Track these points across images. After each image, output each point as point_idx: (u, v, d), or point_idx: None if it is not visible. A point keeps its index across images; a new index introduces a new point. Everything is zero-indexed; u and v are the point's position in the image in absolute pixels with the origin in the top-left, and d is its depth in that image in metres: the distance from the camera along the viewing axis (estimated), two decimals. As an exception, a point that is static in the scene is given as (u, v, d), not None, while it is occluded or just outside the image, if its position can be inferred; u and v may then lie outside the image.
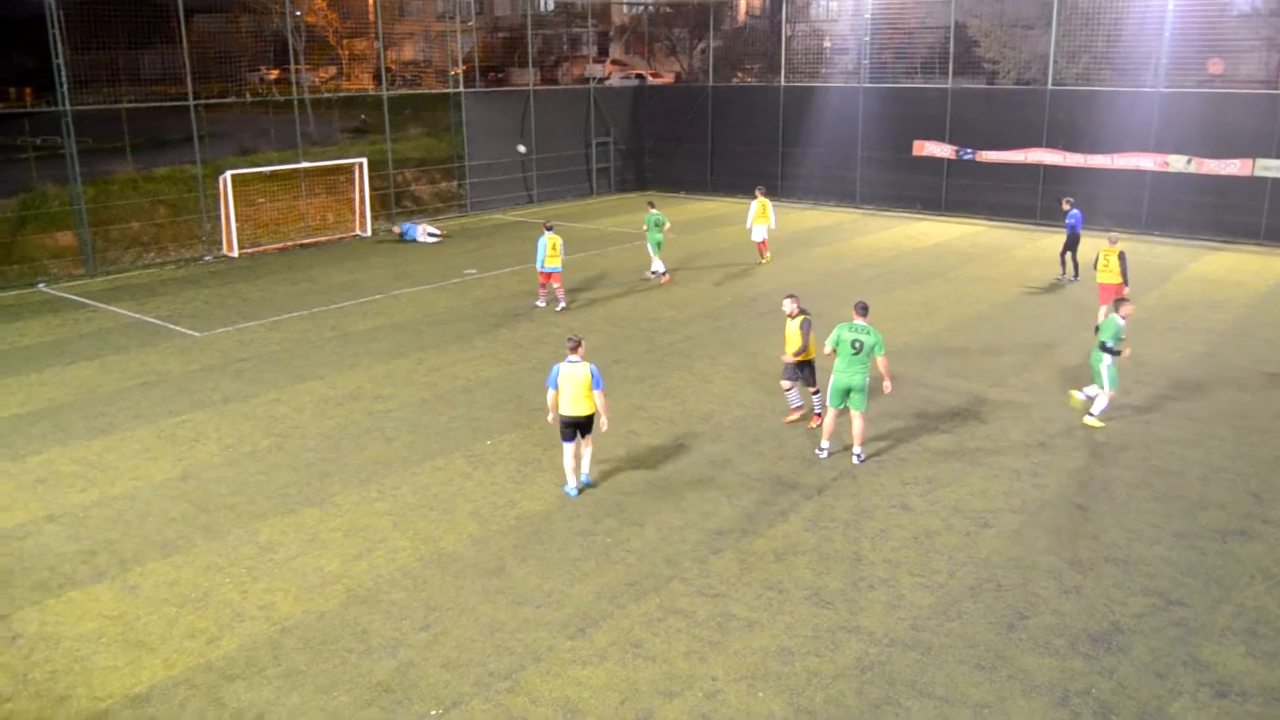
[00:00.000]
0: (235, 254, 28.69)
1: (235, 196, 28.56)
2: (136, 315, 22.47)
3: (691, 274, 25.91)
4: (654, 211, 24.98)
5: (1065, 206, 24.79)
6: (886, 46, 36.71)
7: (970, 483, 13.35)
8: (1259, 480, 13.36)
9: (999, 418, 15.65)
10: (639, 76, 48.13)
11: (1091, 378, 15.47)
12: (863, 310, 13.81)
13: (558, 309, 22.43)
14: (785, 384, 15.47)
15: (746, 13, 51.60)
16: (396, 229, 31.84)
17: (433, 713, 8.77)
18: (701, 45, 45.61)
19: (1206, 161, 29.52)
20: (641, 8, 49.93)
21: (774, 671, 9.32)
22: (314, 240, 30.97)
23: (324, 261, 28.31)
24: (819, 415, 15.15)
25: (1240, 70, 32.40)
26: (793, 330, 14.89)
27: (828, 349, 13.80)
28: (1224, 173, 29.32)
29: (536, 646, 9.73)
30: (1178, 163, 29.98)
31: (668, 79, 49.03)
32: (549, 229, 22.17)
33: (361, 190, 31.86)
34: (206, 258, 28.62)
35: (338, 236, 31.63)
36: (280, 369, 18.46)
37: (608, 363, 18.40)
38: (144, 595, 10.75)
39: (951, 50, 34.38)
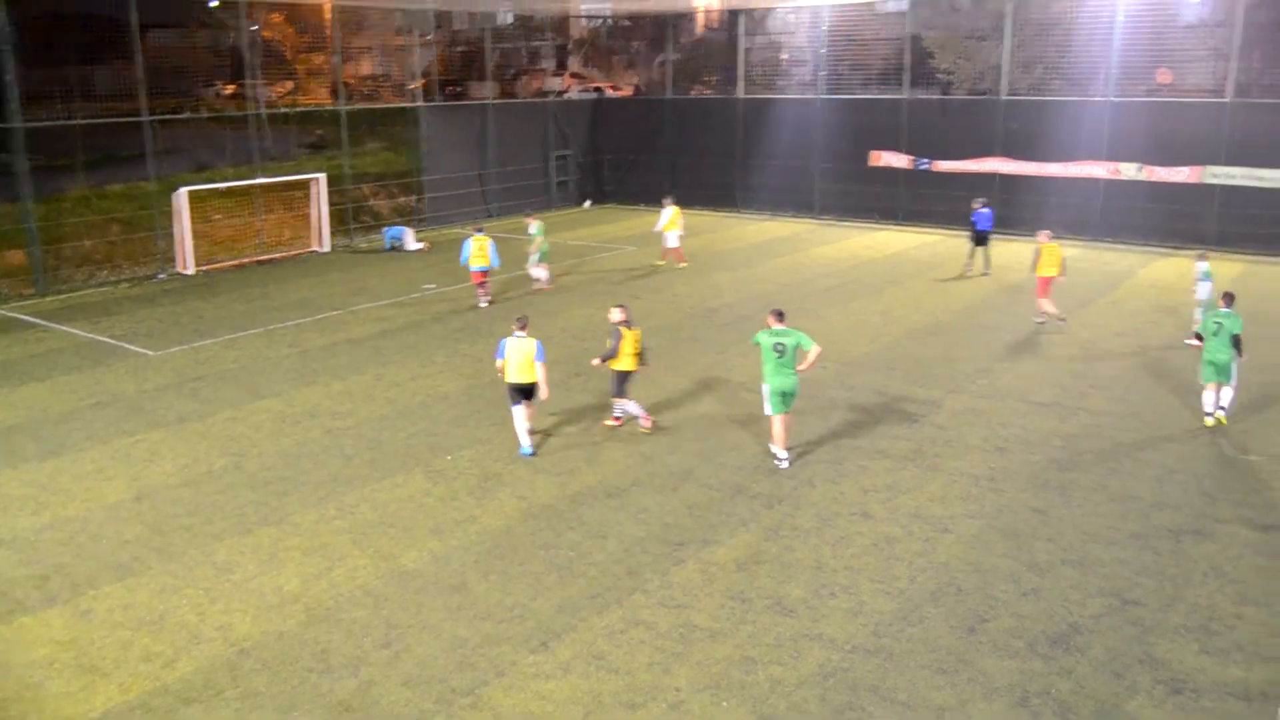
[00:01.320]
0: (191, 271, 28.37)
1: (191, 213, 28.23)
2: (89, 335, 22.15)
3: (649, 284, 25.92)
4: (536, 223, 26.04)
5: (975, 206, 26.29)
6: (843, 58, 37.02)
7: (930, 489, 13.44)
8: (1211, 480, 13.56)
9: (957, 424, 15.78)
10: (598, 89, 48.22)
11: (1207, 379, 15.53)
12: (779, 316, 14.04)
13: (480, 305, 23.77)
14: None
15: (705, 26, 51.85)
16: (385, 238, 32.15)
17: (394, 730, 8.69)
18: (660, 58, 45.77)
19: (1156, 169, 30.01)
20: (600, 21, 50.07)
21: (737, 681, 9.33)
22: (271, 257, 30.70)
23: (281, 278, 28.07)
24: (618, 418, 15.86)
25: (1188, 80, 32.96)
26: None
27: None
28: (1173, 180, 29.82)
29: (499, 661, 9.67)
30: (1129, 170, 30.45)
31: (626, 92, 49.14)
32: (479, 231, 23.78)
33: (319, 206, 31.63)
34: (161, 275, 28.28)
35: (295, 253, 31.38)
36: (236, 387, 18.26)
37: (567, 375, 18.37)
38: (98, 619, 10.57)
39: (908, 61, 34.72)
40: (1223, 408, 15.53)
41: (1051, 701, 8.94)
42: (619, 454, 14.79)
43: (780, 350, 13.69)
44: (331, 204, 32.23)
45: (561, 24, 53.89)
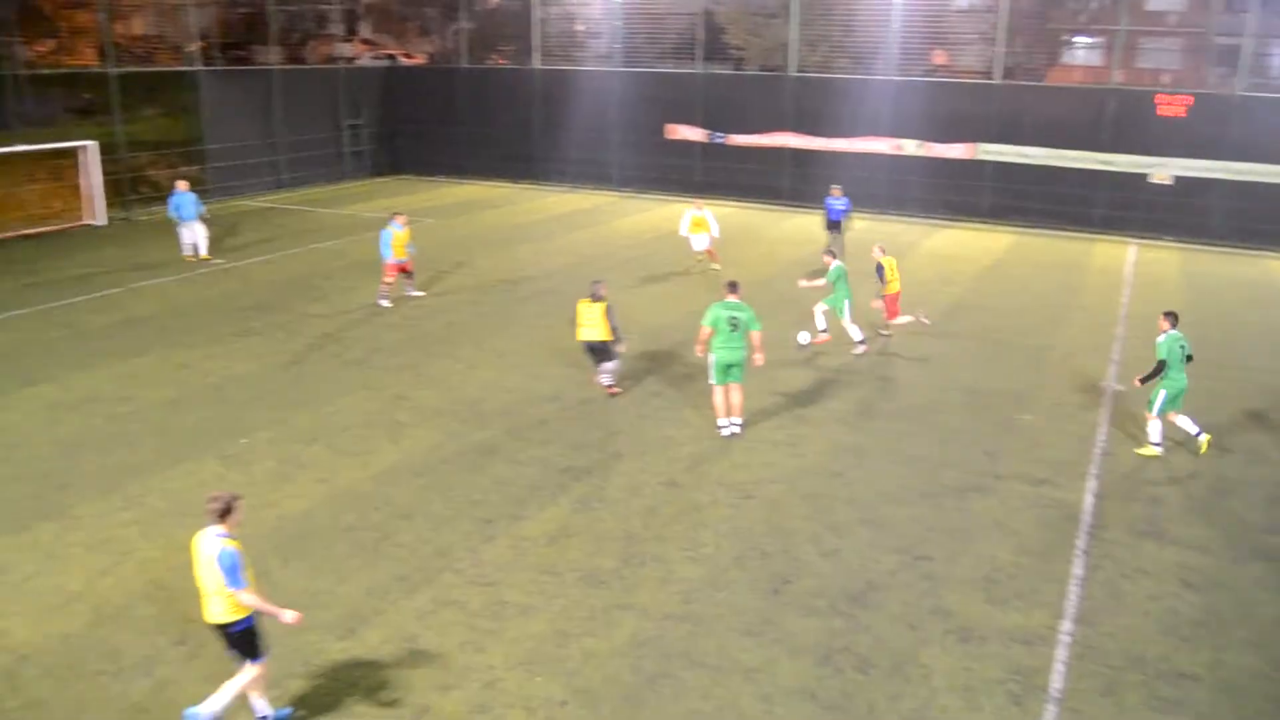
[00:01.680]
0: (-56, 247, 26.03)
1: (-59, 183, 25.88)
2: None
3: (453, 259, 25.51)
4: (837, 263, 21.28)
5: (835, 193, 25.27)
6: (638, 31, 37.31)
7: (732, 456, 13.82)
8: (990, 440, 14.50)
9: (757, 393, 16.23)
10: (390, 57, 46.90)
11: (1176, 406, 14.07)
12: (733, 288, 14.38)
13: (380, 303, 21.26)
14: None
15: (499, -6, 51.11)
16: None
17: (195, 730, 8.29)
18: (454, 26, 44.87)
19: (934, 145, 31.69)
20: (391, -14, 48.57)
21: (551, 655, 9.36)
22: (39, 230, 28.46)
23: (52, 253, 26.09)
24: (613, 388, 16.09)
25: (961, 61, 34.92)
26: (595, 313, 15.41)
27: (706, 328, 14.11)
28: (950, 156, 31.56)
29: (305, 650, 9.37)
30: (909, 146, 32.03)
31: (420, 60, 47.99)
32: (396, 219, 21.04)
33: (91, 175, 29.51)
34: (-91, 251, 25.83)
35: (66, 226, 29.21)
36: (4, 372, 16.86)
37: (368, 352, 17.90)
38: None
39: (700, 36, 35.31)
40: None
41: (852, 657, 9.39)
42: (423, 432, 14.53)
43: (734, 324, 13.95)
44: (106, 174, 30.10)
45: (351, -13, 51.99)
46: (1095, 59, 39.80)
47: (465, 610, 10.08)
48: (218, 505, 7.97)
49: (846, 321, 18.13)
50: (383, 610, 10.07)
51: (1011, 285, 23.70)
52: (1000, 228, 30.86)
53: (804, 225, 29.44)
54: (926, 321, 19.35)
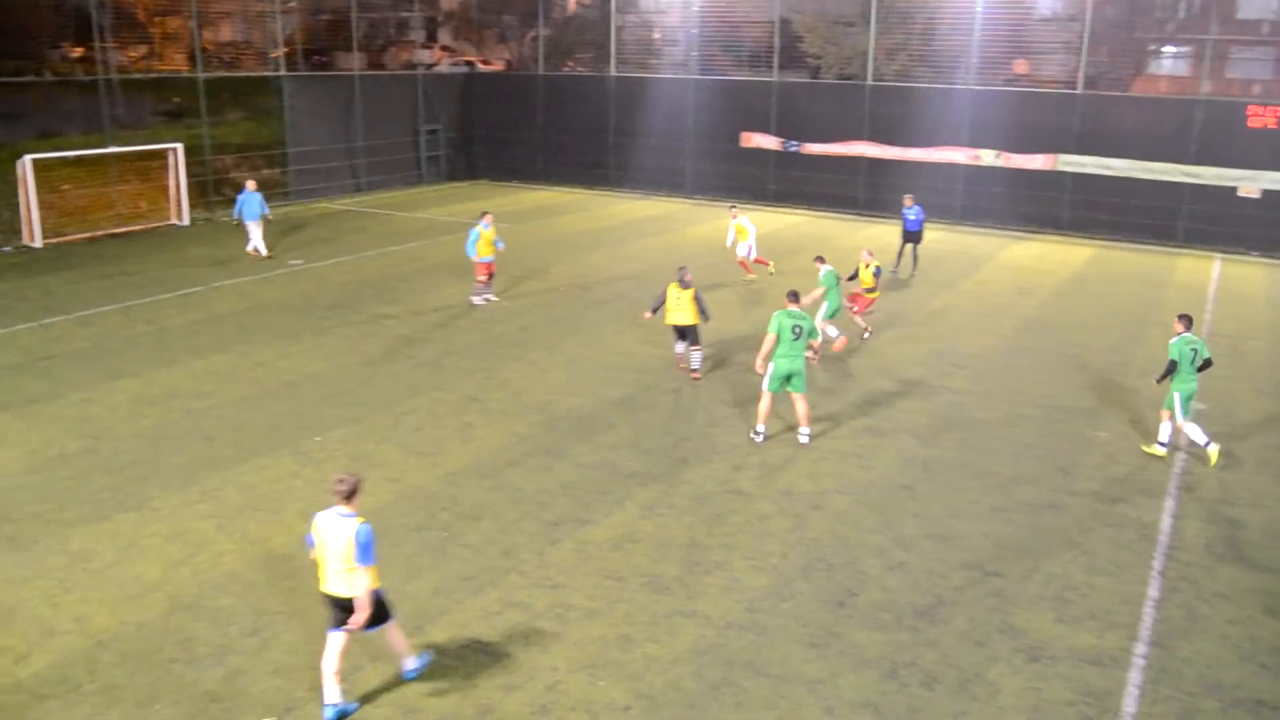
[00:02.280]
0: (38, 244, 26.92)
1: (37, 183, 26.76)
2: (-74, 310, 20.85)
3: (526, 264, 25.74)
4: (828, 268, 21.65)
5: (907, 202, 24.93)
6: (715, 39, 37.34)
7: (800, 466, 13.73)
8: (1064, 456, 14.21)
9: (826, 403, 16.14)
10: (469, 63, 47.47)
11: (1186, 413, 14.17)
12: (794, 297, 14.56)
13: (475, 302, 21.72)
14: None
15: (576, 2, 51.52)
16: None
17: (264, 720, 8.47)
18: (532, 33, 45.31)
19: (1013, 156, 31.20)
20: (470, -7, 49.19)
21: (614, 659, 9.38)
22: (126, 230, 29.35)
23: (138, 252, 26.87)
24: (696, 373, 17.11)
25: (1043, 71, 34.31)
26: (684, 299, 16.51)
27: (771, 335, 14.15)
28: (1029, 167, 31.04)
29: (372, 647, 9.48)
30: (987, 157, 31.58)
31: (498, 66, 48.52)
32: (484, 218, 21.41)
33: (178, 177, 30.35)
34: (6, 249, 26.74)
35: (153, 225, 30.06)
36: (91, 366, 17.42)
37: (441, 354, 18.13)
38: (-60, 612, 10.00)
39: (777, 44, 35.21)
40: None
41: (918, 672, 9.26)
42: (492, 434, 14.66)
43: (797, 332, 14.04)
44: (191, 175, 30.97)
45: (432, -5, 52.80)
46: (1183, 69, 38.76)
47: (530, 612, 10.15)
48: (345, 486, 8.26)
49: (821, 320, 18.37)
50: (449, 609, 10.17)
51: (1090, 299, 23.22)
52: (1080, 240, 30.26)
53: (878, 235, 29.15)
54: (866, 336, 19.65)
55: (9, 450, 13.89)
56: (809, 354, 16.69)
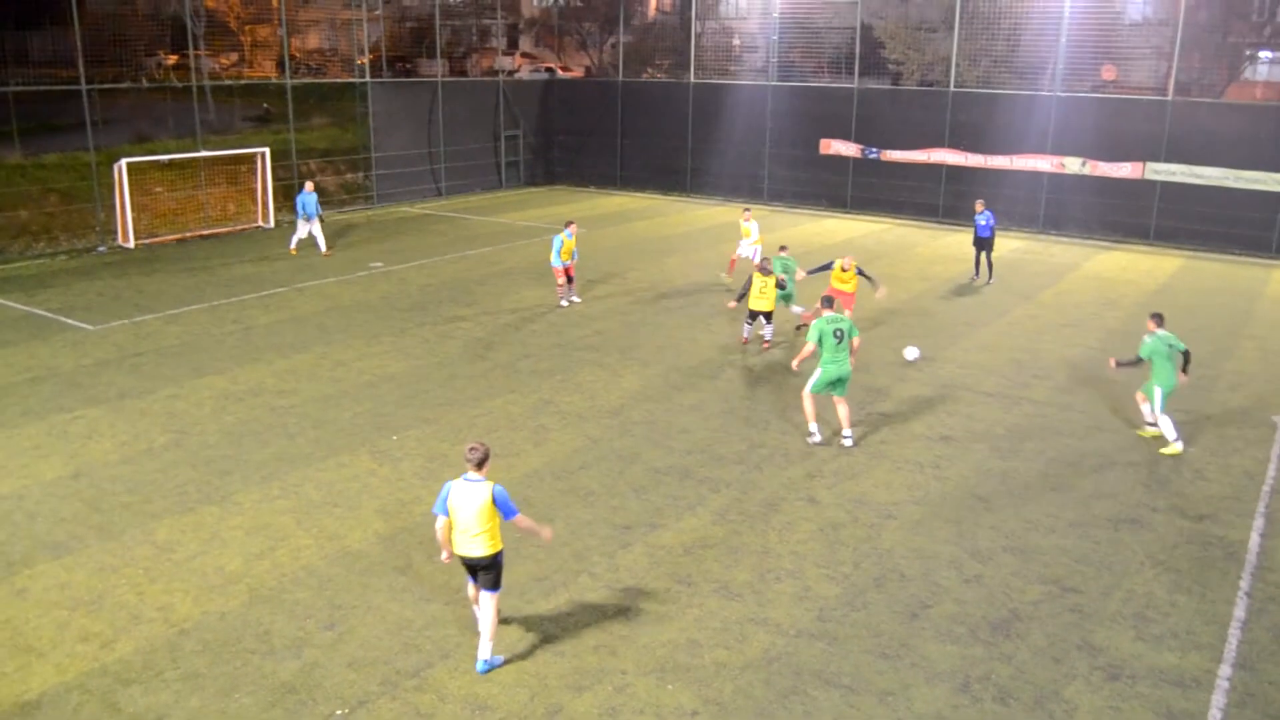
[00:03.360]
0: (131, 245, 27.78)
1: (131, 185, 27.64)
2: (25, 308, 21.61)
3: (602, 268, 25.88)
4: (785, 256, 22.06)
5: (978, 208, 24.72)
6: (794, 45, 37.17)
7: (874, 475, 13.59)
8: (1147, 471, 13.85)
9: (902, 412, 15.96)
10: (549, 70, 47.93)
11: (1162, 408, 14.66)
12: (829, 303, 14.55)
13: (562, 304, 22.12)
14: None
15: (656, 9, 51.72)
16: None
17: (338, 712, 8.62)
18: (611, 40, 45.57)
19: (1100, 164, 30.53)
20: (552, 1, 49.69)
21: (683, 664, 9.37)
22: (214, 231, 30.16)
23: (225, 253, 27.60)
24: (768, 343, 19.03)
25: (1132, 77, 33.55)
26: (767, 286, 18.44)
27: (811, 344, 14.21)
28: (1116, 175, 30.35)
29: (444, 643, 9.63)
30: (1073, 165, 30.94)
31: (577, 73, 48.90)
32: (569, 227, 21.80)
33: (264, 181, 31.12)
34: (100, 248, 27.67)
35: (239, 228, 30.85)
36: (178, 363, 17.94)
37: (516, 357, 18.31)
38: (33, 598, 10.35)
39: (858, 51, 34.94)
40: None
41: (992, 687, 9.10)
42: (566, 437, 14.76)
43: (839, 336, 14.10)
44: (277, 179, 31.72)
45: (513, 3, 53.45)
46: (1280, 75, 37.64)
47: (600, 614, 10.19)
48: (477, 454, 8.96)
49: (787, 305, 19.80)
50: (520, 609, 10.25)
51: (1177, 311, 22.54)
52: (1168, 251, 29.50)
53: (958, 243, 28.75)
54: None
55: (101, 443, 14.36)
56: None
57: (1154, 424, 14.85)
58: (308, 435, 14.72)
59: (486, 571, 9.09)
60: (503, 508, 8.96)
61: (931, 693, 9.00)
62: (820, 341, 14.11)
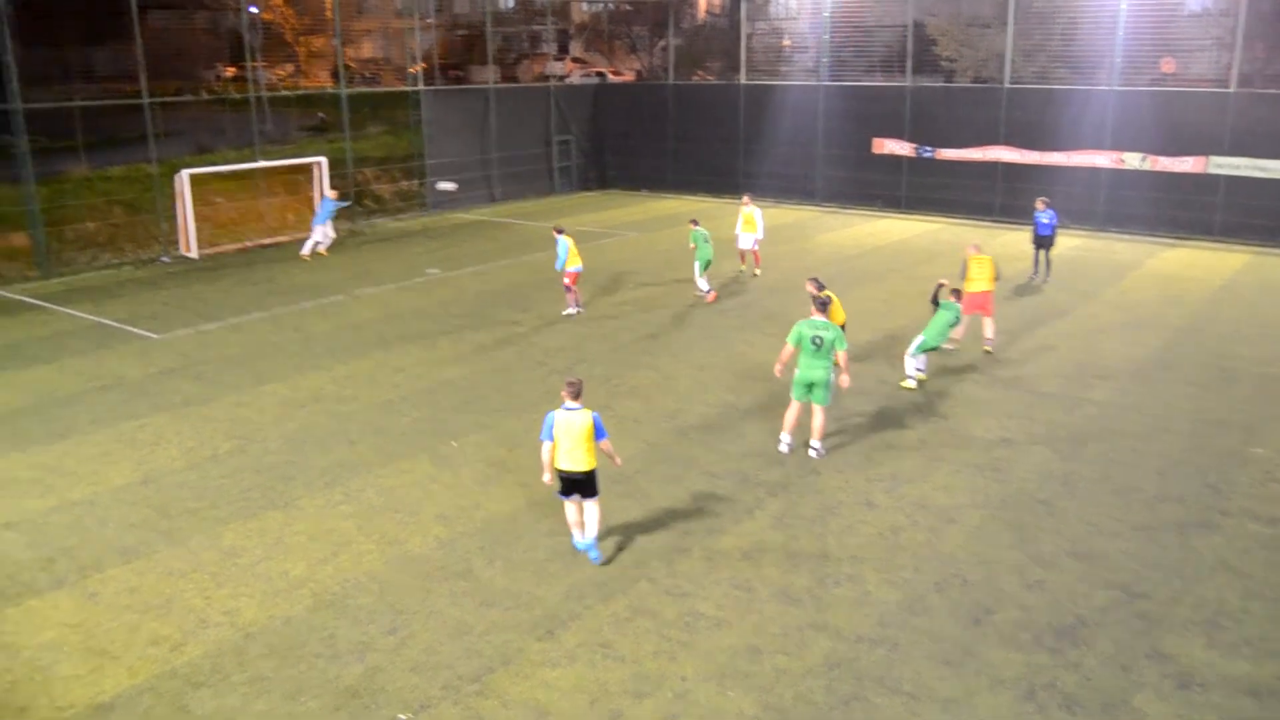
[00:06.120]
0: (194, 254, 28.32)
1: (193, 196, 28.18)
2: (93, 317, 22.13)
3: (655, 272, 25.90)
4: (698, 228, 23.16)
5: (1039, 206, 24.32)
6: (846, 44, 36.92)
7: (934, 479, 13.45)
8: (1216, 473, 13.57)
9: (961, 414, 15.79)
10: (599, 74, 48.11)
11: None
12: (821, 307, 13.97)
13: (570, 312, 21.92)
14: None
15: (706, 11, 51.74)
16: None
17: (401, 716, 8.72)
18: (661, 43, 45.64)
19: (1161, 159, 29.97)
20: (601, 5, 49.86)
21: (743, 670, 9.35)
22: (274, 240, 30.64)
23: (284, 262, 28.03)
24: None
25: (1192, 69, 32.88)
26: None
27: (789, 346, 13.90)
28: (1178, 170, 29.77)
29: (505, 649, 9.70)
30: (1133, 160, 30.41)
31: (628, 77, 49.05)
32: (560, 231, 21.93)
33: (321, 189, 31.53)
34: (164, 258, 28.24)
35: (298, 236, 31.29)
36: (241, 371, 18.25)
37: (572, 361, 18.38)
38: (105, 602, 10.59)
39: (910, 48, 34.62)
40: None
41: (1058, 694, 8.96)
42: (624, 441, 14.76)
43: (817, 343, 13.66)
44: (334, 188, 32.12)
45: (563, 8, 53.79)
46: (1347, 65, 36.68)
47: (659, 620, 10.20)
48: (575, 386, 11.01)
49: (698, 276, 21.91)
50: (580, 614, 10.30)
51: (1243, 308, 22.13)
52: (1232, 246, 28.87)
53: (1014, 241, 28.36)
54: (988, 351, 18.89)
55: (168, 449, 14.65)
56: (918, 372, 17.08)
57: (912, 377, 16.94)
58: (368, 441, 14.90)
59: (587, 483, 11.00)
60: (599, 429, 10.92)
61: (995, 700, 8.90)
62: (799, 345, 13.84)
